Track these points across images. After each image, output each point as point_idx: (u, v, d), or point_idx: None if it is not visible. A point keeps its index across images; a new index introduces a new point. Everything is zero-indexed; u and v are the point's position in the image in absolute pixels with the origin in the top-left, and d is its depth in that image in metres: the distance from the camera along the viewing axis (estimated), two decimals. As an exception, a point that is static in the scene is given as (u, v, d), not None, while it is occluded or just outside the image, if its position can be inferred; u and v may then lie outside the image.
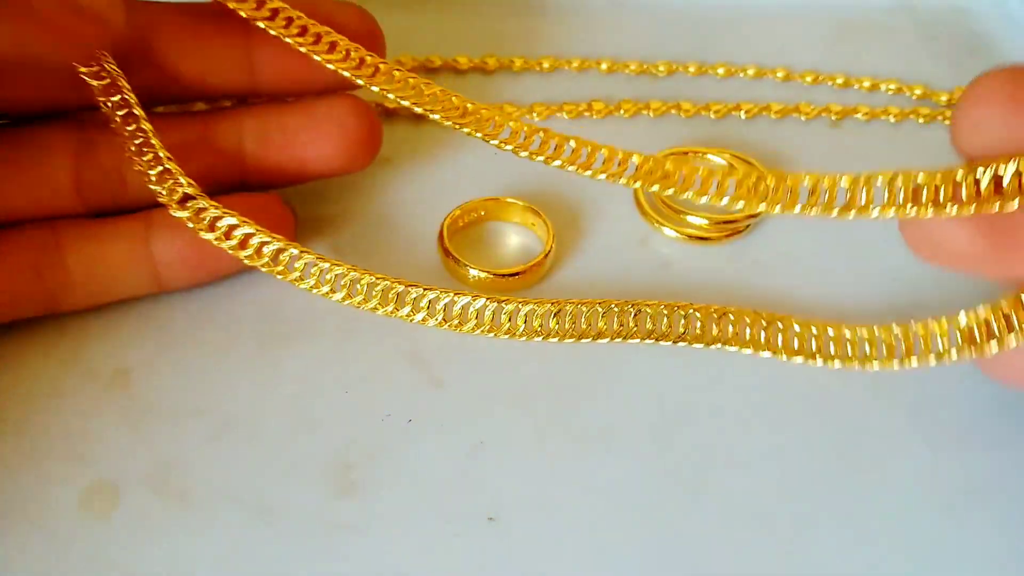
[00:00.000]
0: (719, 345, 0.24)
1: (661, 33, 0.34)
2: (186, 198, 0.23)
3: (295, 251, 0.23)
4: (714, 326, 0.24)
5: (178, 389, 0.23)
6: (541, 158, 0.24)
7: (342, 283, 0.24)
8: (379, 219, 0.28)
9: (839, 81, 0.33)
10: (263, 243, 0.23)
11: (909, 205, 0.20)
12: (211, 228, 0.23)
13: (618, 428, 0.23)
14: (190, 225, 0.23)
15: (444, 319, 0.24)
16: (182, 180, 0.22)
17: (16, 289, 0.23)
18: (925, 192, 0.20)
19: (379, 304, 0.24)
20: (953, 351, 0.21)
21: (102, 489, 0.22)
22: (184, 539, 0.21)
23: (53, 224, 0.23)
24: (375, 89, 0.24)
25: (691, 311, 0.24)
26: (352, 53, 0.24)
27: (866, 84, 0.33)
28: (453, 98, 0.25)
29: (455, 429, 0.23)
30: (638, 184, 0.23)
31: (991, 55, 0.34)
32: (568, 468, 0.23)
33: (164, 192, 0.22)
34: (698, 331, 0.24)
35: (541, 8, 0.35)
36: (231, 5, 0.23)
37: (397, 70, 0.25)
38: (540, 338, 0.24)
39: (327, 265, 0.23)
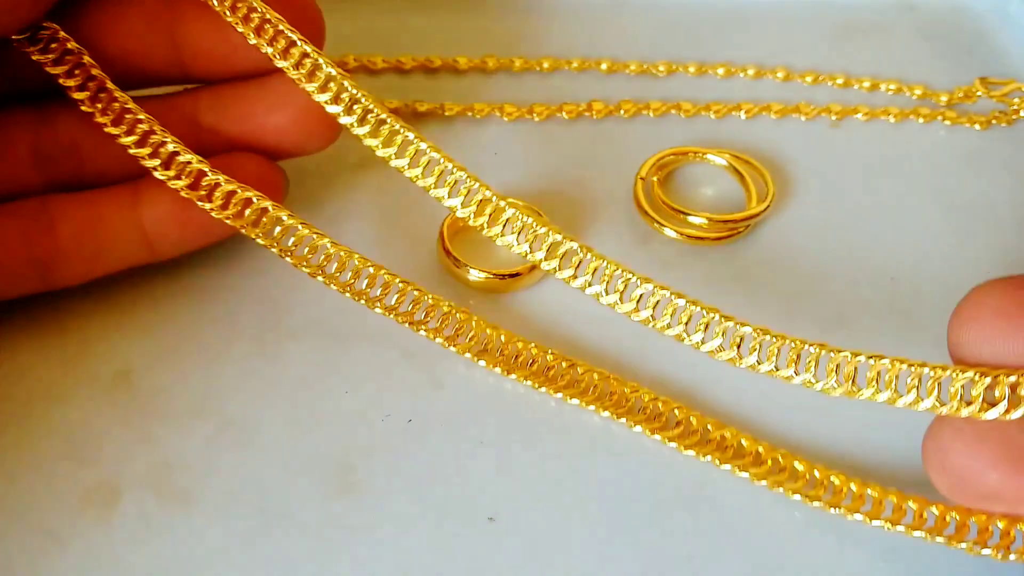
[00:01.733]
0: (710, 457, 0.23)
1: (661, 33, 0.34)
2: (180, 165, 0.22)
3: (284, 216, 0.23)
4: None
5: (178, 389, 0.23)
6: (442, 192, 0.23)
7: (329, 258, 0.23)
8: (379, 219, 0.28)
9: (839, 81, 0.33)
10: (249, 204, 0.23)
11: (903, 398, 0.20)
12: (196, 187, 0.22)
13: (619, 429, 0.23)
14: (175, 184, 0.22)
15: (437, 328, 0.24)
16: (167, 140, 0.22)
17: (7, 262, 0.22)
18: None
19: (364, 295, 0.23)
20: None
21: (102, 489, 0.22)
22: (184, 539, 0.21)
23: (43, 196, 0.23)
24: (308, 88, 0.23)
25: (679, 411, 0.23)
26: (280, 36, 0.22)
27: (866, 84, 0.33)
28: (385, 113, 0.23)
29: (455, 429, 0.23)
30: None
31: (991, 55, 0.34)
32: (568, 468, 0.23)
33: (146, 156, 0.22)
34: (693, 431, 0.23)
35: (541, 8, 0.35)
36: None
37: (334, 67, 0.23)
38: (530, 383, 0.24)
39: (314, 236, 0.23)
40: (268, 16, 0.22)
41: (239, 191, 0.23)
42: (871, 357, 0.21)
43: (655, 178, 0.29)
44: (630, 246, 0.28)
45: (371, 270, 0.23)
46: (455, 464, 0.22)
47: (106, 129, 0.22)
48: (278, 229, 0.23)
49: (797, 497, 0.22)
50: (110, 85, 0.23)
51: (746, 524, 0.22)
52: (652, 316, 0.22)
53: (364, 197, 0.28)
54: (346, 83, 0.22)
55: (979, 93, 0.32)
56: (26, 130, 0.23)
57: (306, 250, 0.23)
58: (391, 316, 0.24)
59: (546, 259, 0.22)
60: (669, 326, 0.22)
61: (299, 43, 0.22)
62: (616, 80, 0.33)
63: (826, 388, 0.21)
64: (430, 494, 0.22)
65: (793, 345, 0.22)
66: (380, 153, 0.22)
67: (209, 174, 0.22)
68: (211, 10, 0.23)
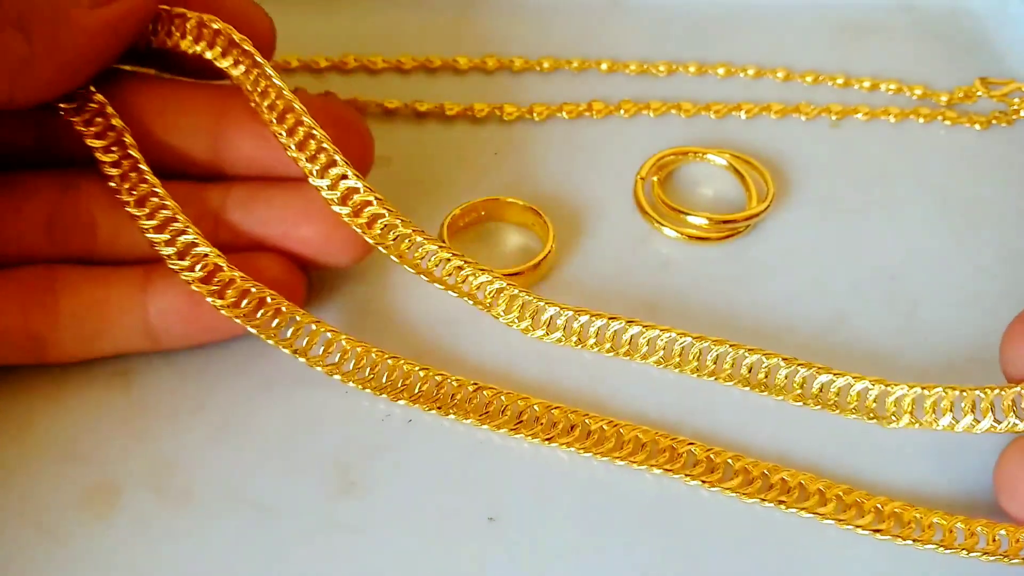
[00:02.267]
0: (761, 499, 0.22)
1: (661, 33, 0.34)
2: (196, 258, 0.22)
3: (298, 316, 0.22)
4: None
5: (178, 389, 0.23)
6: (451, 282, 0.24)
7: (347, 356, 0.23)
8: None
9: (839, 81, 0.33)
10: (266, 306, 0.22)
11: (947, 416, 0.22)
12: (222, 292, 0.22)
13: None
14: (185, 277, 0.22)
15: (445, 405, 0.23)
16: (188, 229, 0.22)
17: (1, 330, 0.22)
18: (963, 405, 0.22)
19: (385, 388, 0.23)
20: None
21: (102, 489, 0.22)
22: (184, 539, 0.21)
23: (51, 266, 0.22)
24: (338, 210, 0.23)
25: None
26: (323, 152, 0.22)
27: (866, 84, 0.33)
28: (410, 230, 0.23)
29: (455, 429, 0.23)
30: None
31: (991, 55, 0.34)
32: (569, 468, 0.23)
33: (163, 243, 0.22)
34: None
35: (541, 8, 0.35)
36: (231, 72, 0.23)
37: (372, 193, 0.23)
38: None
39: (329, 334, 0.23)
40: (315, 132, 0.22)
41: (254, 290, 0.22)
42: (924, 387, 0.22)
43: (655, 178, 0.29)
44: (630, 246, 0.28)
45: (389, 362, 0.23)
46: (455, 464, 0.22)
47: (128, 209, 0.22)
48: (291, 329, 0.23)
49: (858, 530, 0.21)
50: (144, 166, 0.22)
51: (752, 537, 0.22)
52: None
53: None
54: (384, 210, 0.23)
55: (979, 93, 0.33)
56: (46, 197, 0.22)
57: (321, 350, 0.23)
58: (416, 405, 0.23)
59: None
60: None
61: (340, 164, 0.22)
62: (616, 80, 0.33)
63: (886, 420, 0.22)
64: (430, 494, 0.22)
65: (848, 381, 0.23)
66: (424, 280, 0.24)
67: (225, 270, 0.22)
68: (257, 115, 0.22)
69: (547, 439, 0.23)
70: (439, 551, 0.21)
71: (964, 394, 0.22)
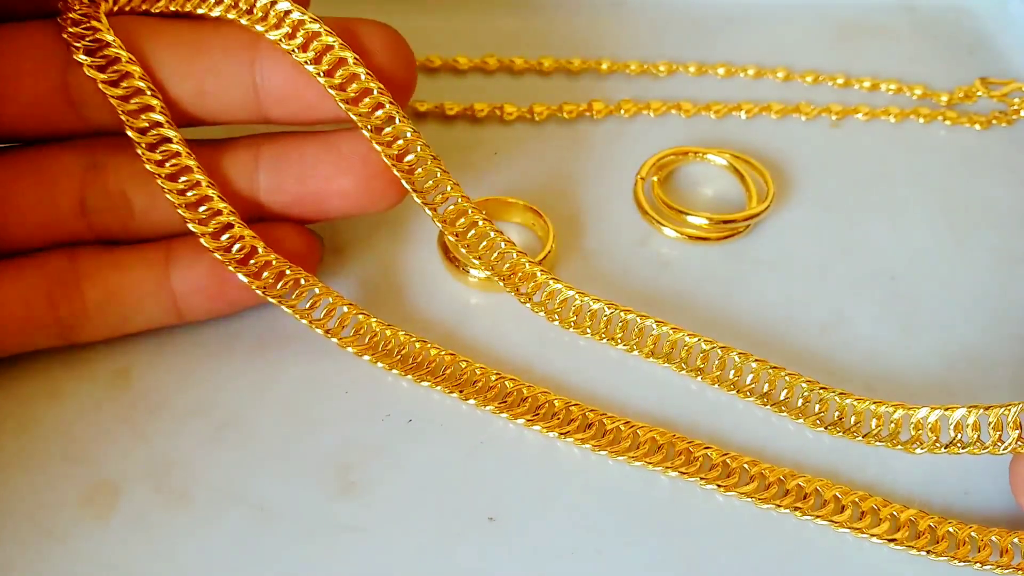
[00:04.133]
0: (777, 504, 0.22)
1: (661, 33, 0.34)
2: (222, 229, 0.22)
3: (317, 289, 0.23)
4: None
5: (178, 389, 0.23)
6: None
7: (366, 334, 0.24)
8: (379, 219, 0.28)
9: (839, 81, 0.33)
10: (283, 275, 0.23)
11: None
12: (244, 263, 0.22)
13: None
14: (219, 256, 0.22)
15: (466, 390, 0.23)
16: (222, 208, 0.22)
17: (28, 319, 0.22)
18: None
19: (397, 365, 0.23)
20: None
21: (102, 489, 0.22)
22: (184, 539, 0.21)
23: (72, 252, 0.22)
24: (379, 149, 0.23)
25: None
26: (368, 92, 0.22)
27: (866, 84, 0.33)
28: (448, 185, 0.24)
29: (455, 429, 0.23)
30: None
31: (991, 55, 0.34)
32: (569, 468, 0.23)
33: (196, 221, 0.22)
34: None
35: (541, 8, 0.35)
36: (241, 19, 0.22)
37: (412, 130, 0.23)
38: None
39: (345, 308, 0.23)
40: (358, 71, 0.22)
41: (275, 263, 0.23)
42: (946, 409, 0.22)
43: (655, 178, 0.29)
44: (630, 246, 0.28)
45: (402, 336, 0.24)
46: (455, 464, 0.22)
47: (157, 180, 0.22)
48: (308, 301, 0.23)
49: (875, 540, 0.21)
50: (172, 132, 0.22)
51: (751, 533, 0.22)
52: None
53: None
54: (418, 146, 0.23)
55: (979, 93, 0.33)
56: (74, 176, 0.22)
57: (335, 322, 0.23)
58: (427, 383, 0.23)
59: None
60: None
61: (387, 105, 0.22)
62: (616, 80, 0.33)
63: (908, 447, 0.22)
64: (430, 494, 0.22)
65: (869, 407, 0.23)
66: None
67: (247, 239, 0.22)
68: (293, 59, 0.22)
69: (563, 434, 0.23)
70: (439, 551, 0.21)
71: (988, 412, 0.21)
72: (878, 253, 0.28)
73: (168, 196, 0.22)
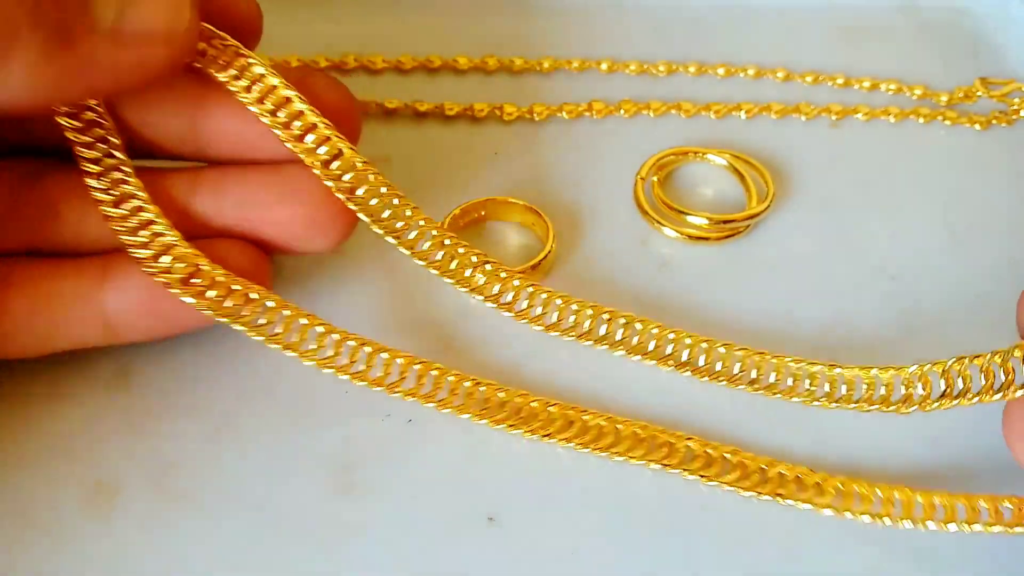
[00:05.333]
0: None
1: (661, 33, 0.34)
2: (164, 250, 0.21)
3: (271, 303, 0.22)
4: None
5: (178, 389, 0.23)
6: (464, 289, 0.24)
7: (332, 346, 0.22)
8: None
9: (839, 81, 0.33)
10: (231, 293, 0.21)
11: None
12: (186, 282, 0.21)
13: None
14: (161, 280, 0.21)
15: (444, 400, 0.23)
16: (161, 228, 0.21)
17: None
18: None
19: (362, 375, 0.22)
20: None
21: (102, 489, 0.22)
22: (184, 539, 0.21)
23: (3, 260, 0.21)
24: (329, 184, 0.22)
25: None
26: (313, 128, 0.22)
27: (866, 84, 0.33)
28: (408, 210, 0.23)
29: (455, 429, 0.23)
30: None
31: (991, 55, 0.34)
32: (567, 467, 0.23)
33: (138, 244, 0.21)
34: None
35: (541, 8, 0.35)
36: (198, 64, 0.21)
37: (362, 161, 0.22)
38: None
39: (304, 320, 0.22)
40: (301, 107, 0.21)
41: (224, 280, 0.21)
42: (934, 364, 0.22)
43: (655, 178, 0.29)
44: (630, 246, 0.28)
45: (368, 349, 0.22)
46: (455, 464, 0.22)
47: (95, 195, 0.21)
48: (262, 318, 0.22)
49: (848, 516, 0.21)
50: (120, 155, 0.21)
51: (750, 534, 0.22)
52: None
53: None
54: (370, 176, 0.22)
55: (979, 93, 0.32)
56: (5, 185, 0.21)
57: (295, 337, 0.22)
58: (413, 399, 0.23)
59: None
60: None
61: (332, 138, 0.22)
62: (616, 80, 0.33)
63: (902, 407, 0.22)
64: (430, 494, 0.22)
65: (856, 374, 0.23)
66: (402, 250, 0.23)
67: (190, 258, 0.21)
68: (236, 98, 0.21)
69: (545, 435, 0.23)
70: (439, 551, 0.21)
71: (978, 361, 0.21)
72: (878, 253, 0.28)
73: (105, 211, 0.21)
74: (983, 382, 0.21)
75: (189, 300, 0.21)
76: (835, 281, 0.27)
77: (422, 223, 0.23)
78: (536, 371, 0.24)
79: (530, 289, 0.24)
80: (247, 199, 0.22)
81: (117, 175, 0.21)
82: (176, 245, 0.21)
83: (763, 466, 0.22)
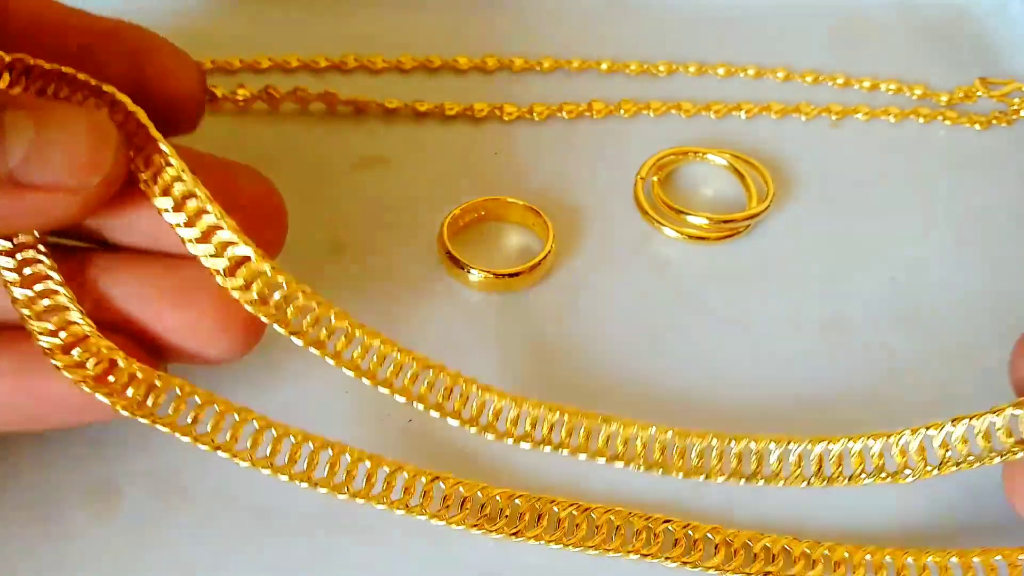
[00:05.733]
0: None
1: (661, 33, 0.34)
2: (72, 345, 0.19)
3: (198, 400, 0.20)
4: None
5: (178, 389, 0.23)
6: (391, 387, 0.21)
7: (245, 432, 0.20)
8: (379, 219, 0.28)
9: (839, 81, 0.33)
10: (134, 379, 0.19)
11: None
12: (99, 380, 0.19)
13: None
14: (72, 376, 0.18)
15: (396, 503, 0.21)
16: (80, 321, 0.19)
17: None
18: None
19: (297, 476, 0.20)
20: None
21: (103, 488, 0.22)
22: (184, 539, 0.21)
23: None
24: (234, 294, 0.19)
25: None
26: (217, 229, 0.19)
27: (866, 84, 0.33)
28: (333, 314, 0.20)
29: (455, 429, 0.23)
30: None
31: (991, 55, 0.34)
32: (568, 467, 0.23)
33: (45, 333, 0.18)
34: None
35: (541, 8, 0.35)
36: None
37: (271, 266, 0.19)
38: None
39: (217, 406, 0.20)
40: (207, 207, 0.18)
41: (143, 377, 0.19)
42: (928, 427, 0.21)
43: (655, 178, 0.29)
44: (630, 246, 0.28)
45: (310, 446, 0.20)
46: (455, 465, 0.22)
47: (2, 272, 0.18)
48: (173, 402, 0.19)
49: None
50: (43, 250, 0.19)
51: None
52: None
53: (364, 197, 0.28)
54: (280, 279, 0.19)
55: (979, 93, 0.32)
56: None
57: (227, 435, 0.20)
58: (360, 500, 0.20)
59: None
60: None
61: (240, 244, 0.19)
62: (616, 80, 0.33)
63: (897, 478, 0.21)
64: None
65: (846, 446, 0.21)
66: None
67: (105, 353, 0.19)
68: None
69: (513, 533, 0.21)
70: (439, 551, 0.21)
71: (974, 422, 0.20)
72: (878, 253, 0.28)
73: (13, 290, 0.18)
74: (980, 443, 0.20)
75: (103, 400, 0.19)
76: (835, 281, 0.27)
77: (347, 328, 0.20)
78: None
79: (463, 386, 0.22)
80: (134, 291, 0.19)
81: (30, 254, 0.19)
82: (89, 337, 0.19)
83: (748, 541, 0.21)
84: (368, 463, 0.21)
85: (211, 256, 0.19)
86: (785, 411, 0.24)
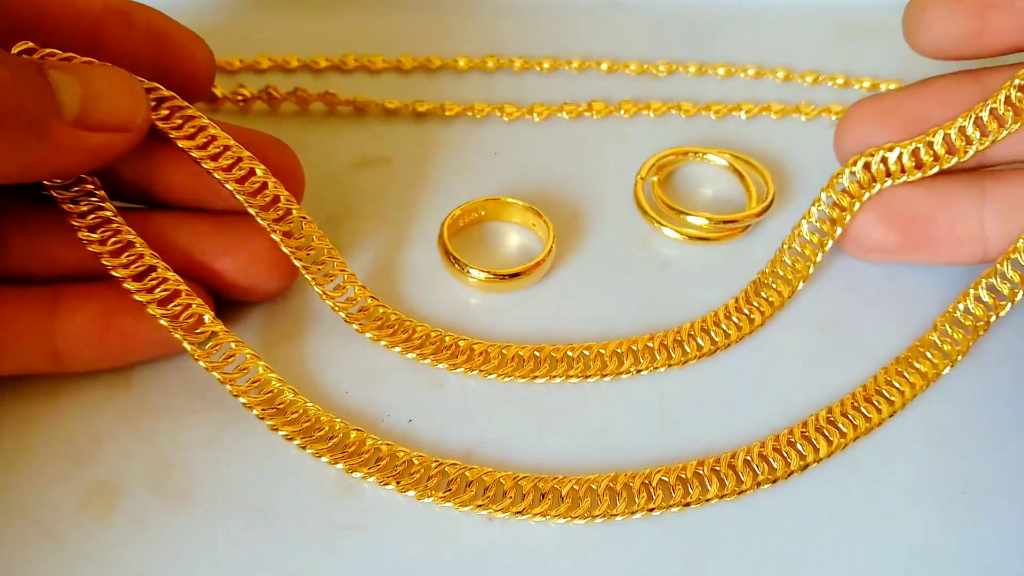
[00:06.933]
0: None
1: (661, 33, 0.34)
2: (145, 272, 0.22)
3: (232, 345, 0.23)
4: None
5: (178, 389, 0.23)
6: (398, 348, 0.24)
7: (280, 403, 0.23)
8: (379, 219, 0.28)
9: (839, 81, 0.33)
10: (201, 322, 0.23)
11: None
12: (164, 304, 0.22)
13: (620, 423, 0.23)
14: (140, 299, 0.22)
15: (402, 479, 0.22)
16: (144, 254, 0.22)
17: None
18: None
19: (314, 444, 0.22)
20: None
21: (102, 489, 0.22)
22: (184, 539, 0.21)
23: None
24: (275, 237, 0.23)
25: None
26: (267, 188, 0.23)
27: (866, 84, 0.33)
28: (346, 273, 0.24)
29: (455, 429, 0.23)
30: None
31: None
32: (568, 467, 0.23)
33: (120, 267, 0.22)
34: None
35: (541, 8, 0.35)
36: (159, 125, 0.22)
37: (307, 221, 0.24)
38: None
39: (260, 368, 0.23)
40: (253, 166, 0.23)
41: (194, 306, 0.22)
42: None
43: (655, 178, 0.29)
44: (630, 246, 0.28)
45: (311, 406, 0.23)
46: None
47: (74, 222, 0.22)
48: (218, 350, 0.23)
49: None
50: (108, 207, 0.22)
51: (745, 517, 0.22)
52: None
53: (364, 197, 0.28)
54: (310, 230, 0.23)
55: (979, 93, 0.32)
56: None
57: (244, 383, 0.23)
58: (370, 474, 0.22)
59: None
60: None
61: (282, 199, 0.23)
62: (616, 80, 0.33)
63: None
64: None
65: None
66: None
67: (171, 283, 0.22)
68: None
69: (517, 512, 0.21)
70: (439, 551, 0.21)
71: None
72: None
73: (91, 248, 0.22)
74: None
75: (163, 323, 0.22)
76: (834, 281, 0.27)
77: (356, 289, 0.24)
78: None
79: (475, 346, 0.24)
80: (193, 245, 0.23)
81: (107, 214, 0.22)
82: (157, 268, 0.22)
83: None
84: (384, 446, 0.22)
85: (261, 208, 0.23)
86: (784, 406, 0.24)
